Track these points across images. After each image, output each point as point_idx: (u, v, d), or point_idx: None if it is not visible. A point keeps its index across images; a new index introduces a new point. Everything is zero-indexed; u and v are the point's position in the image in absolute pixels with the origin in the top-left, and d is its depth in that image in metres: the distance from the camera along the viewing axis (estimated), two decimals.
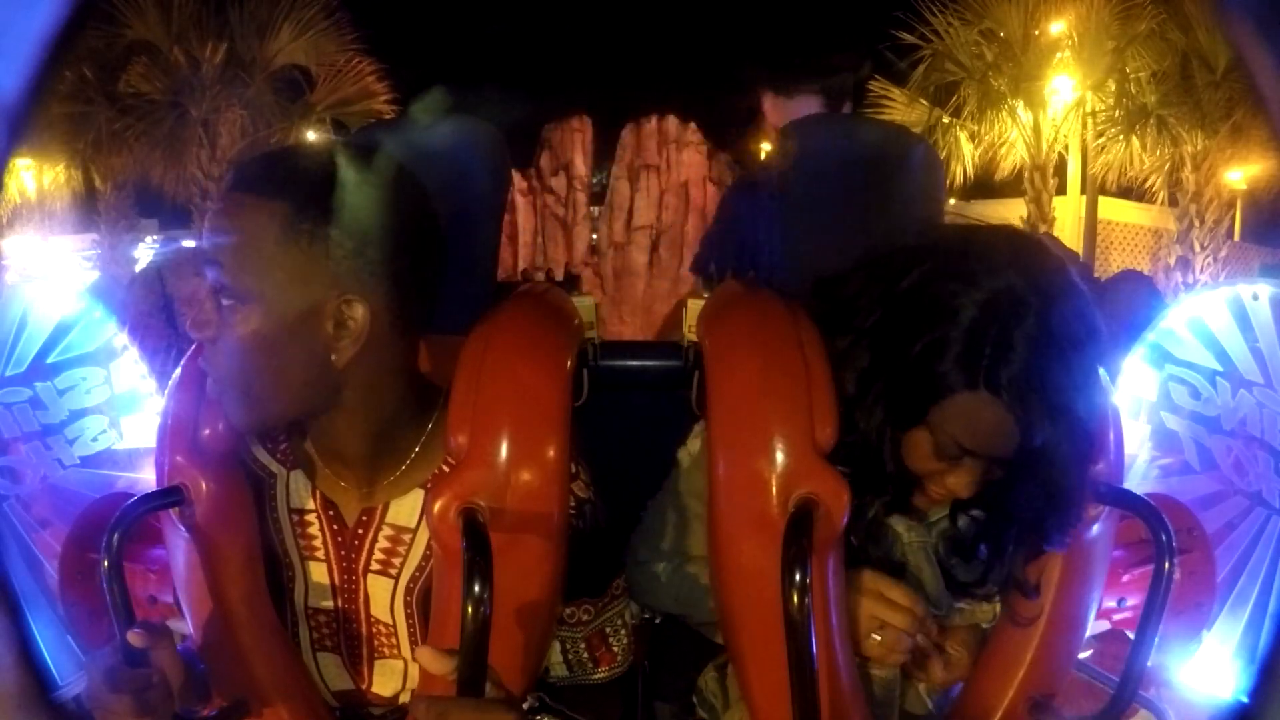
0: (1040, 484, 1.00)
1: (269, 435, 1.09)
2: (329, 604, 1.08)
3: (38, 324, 2.91)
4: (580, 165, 8.74)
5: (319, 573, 1.08)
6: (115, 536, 0.94)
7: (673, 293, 8.46)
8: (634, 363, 1.45)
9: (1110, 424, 1.10)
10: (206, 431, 1.03)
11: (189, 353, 1.09)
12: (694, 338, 1.27)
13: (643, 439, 1.22)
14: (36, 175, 9.89)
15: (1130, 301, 6.34)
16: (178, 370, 1.08)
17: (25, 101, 0.55)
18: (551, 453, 0.98)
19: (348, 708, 1.12)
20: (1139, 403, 2.83)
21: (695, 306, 1.31)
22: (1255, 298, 2.55)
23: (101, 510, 1.81)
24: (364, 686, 1.11)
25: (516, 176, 8.67)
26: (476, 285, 1.20)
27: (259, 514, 1.07)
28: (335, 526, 1.07)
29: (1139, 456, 2.70)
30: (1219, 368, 2.61)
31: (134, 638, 0.91)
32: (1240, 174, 8.87)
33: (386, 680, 1.10)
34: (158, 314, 6.10)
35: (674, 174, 8.60)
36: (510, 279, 1.40)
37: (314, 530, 1.07)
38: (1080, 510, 1.05)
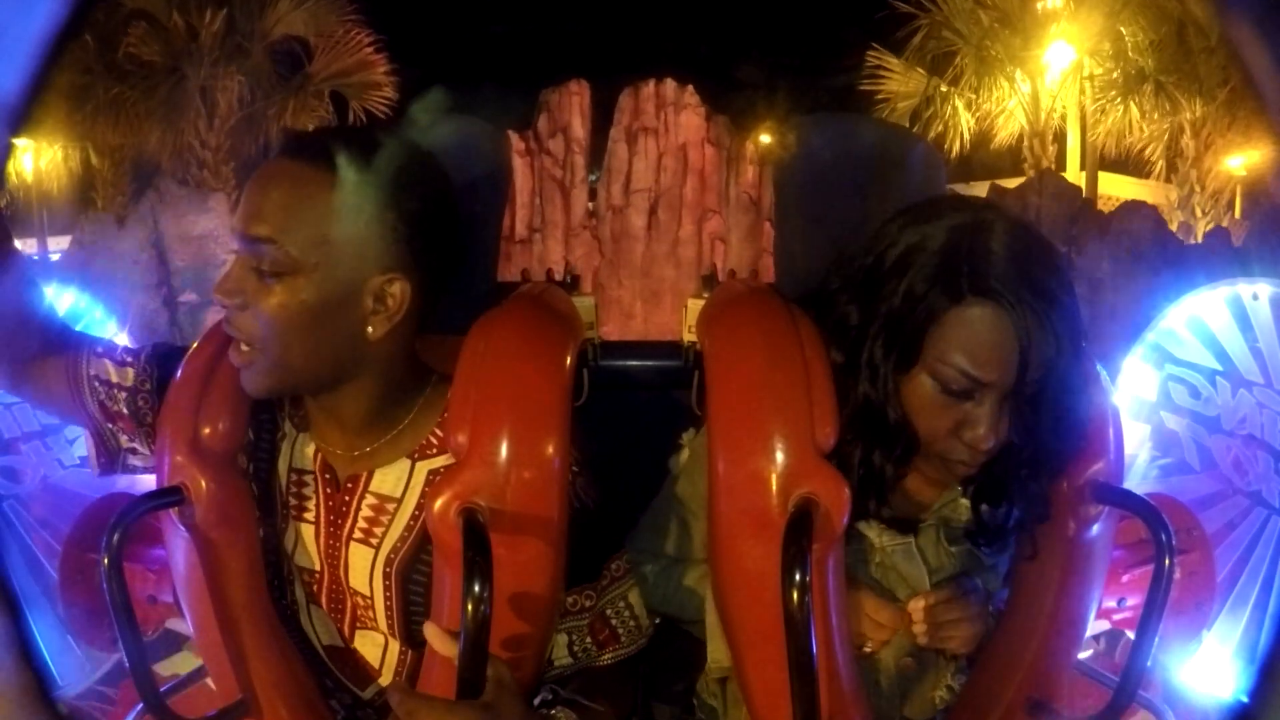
0: (1048, 414, 0.99)
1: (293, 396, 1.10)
2: (314, 566, 1.09)
3: None
4: (578, 128, 8.72)
5: (307, 534, 1.09)
6: (115, 536, 0.94)
7: (671, 256, 8.43)
8: (634, 363, 1.45)
9: (1110, 424, 1.10)
10: (206, 431, 1.03)
11: (189, 352, 1.09)
12: (694, 338, 1.27)
13: (643, 439, 1.21)
14: (35, 156, 9.89)
15: (1136, 232, 6.33)
16: (178, 370, 1.07)
17: (25, 101, 0.55)
18: (551, 452, 0.98)
19: (343, 690, 1.12)
20: (1139, 403, 2.84)
21: (695, 306, 1.31)
22: (1255, 297, 2.56)
23: (101, 510, 1.81)
24: (349, 644, 1.11)
25: (514, 138, 8.68)
26: (476, 285, 1.20)
27: (265, 464, 1.08)
28: (329, 490, 1.08)
29: (1139, 456, 2.71)
30: (1219, 367, 2.61)
31: None
32: (1241, 160, 8.88)
33: (369, 649, 1.11)
34: (149, 249, 6.09)
35: (672, 137, 8.59)
36: (510, 279, 1.40)
37: (309, 492, 1.08)
38: (1083, 438, 1.04)
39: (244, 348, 0.99)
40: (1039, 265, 0.98)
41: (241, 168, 9.21)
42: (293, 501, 1.09)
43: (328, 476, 1.08)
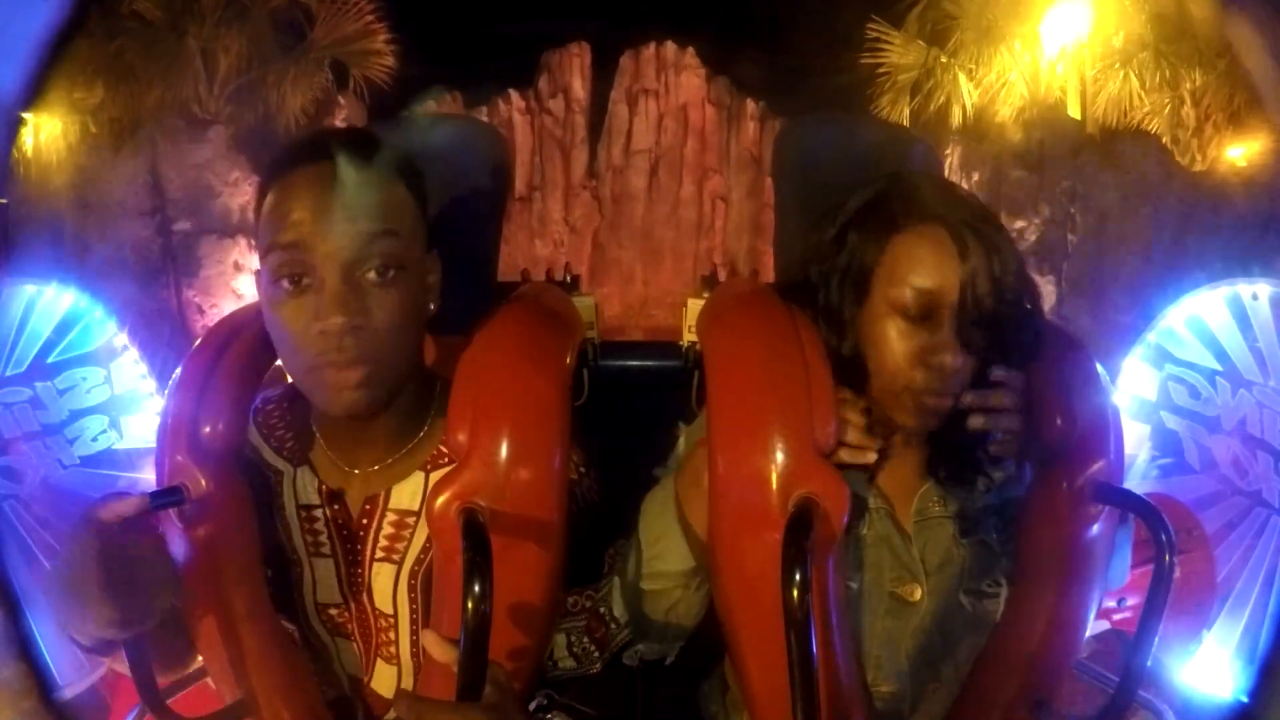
0: (1005, 339, 1.04)
1: (275, 432, 1.09)
2: (337, 599, 1.08)
3: (38, 324, 2.92)
4: (579, 89, 8.69)
5: (325, 569, 1.08)
6: None
7: (672, 217, 8.38)
8: (634, 363, 1.46)
9: (1110, 424, 1.10)
10: (206, 430, 1.03)
11: (189, 353, 1.09)
12: (694, 338, 1.27)
13: (643, 439, 1.22)
14: (34, 131, 9.84)
15: (1142, 162, 6.28)
16: (178, 370, 1.07)
17: (25, 101, 0.55)
18: (551, 452, 0.98)
19: (345, 706, 1.11)
20: (1139, 403, 2.84)
21: (695, 306, 1.31)
22: (1255, 297, 2.56)
23: None
24: (367, 681, 1.11)
25: (514, 96, 8.68)
26: (476, 285, 1.20)
27: (268, 512, 1.06)
28: (340, 520, 1.07)
29: (1139, 456, 2.71)
30: (1219, 367, 2.62)
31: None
32: (1241, 151, 8.93)
33: (384, 682, 1.10)
34: (145, 175, 6.05)
35: (672, 97, 8.57)
36: (510, 279, 1.40)
37: (320, 525, 1.07)
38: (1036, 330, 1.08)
39: (362, 370, 0.94)
40: (961, 193, 1.08)
41: (240, 135, 9.20)
42: (308, 539, 1.08)
43: (336, 507, 1.07)
